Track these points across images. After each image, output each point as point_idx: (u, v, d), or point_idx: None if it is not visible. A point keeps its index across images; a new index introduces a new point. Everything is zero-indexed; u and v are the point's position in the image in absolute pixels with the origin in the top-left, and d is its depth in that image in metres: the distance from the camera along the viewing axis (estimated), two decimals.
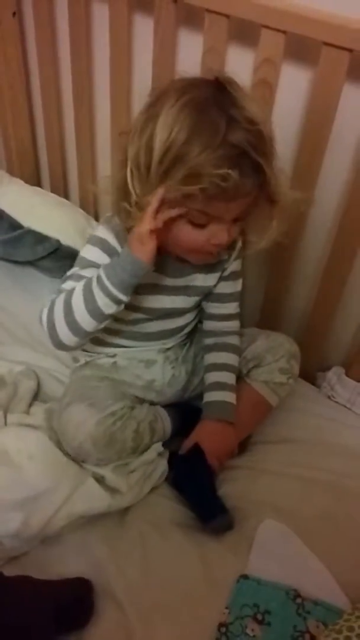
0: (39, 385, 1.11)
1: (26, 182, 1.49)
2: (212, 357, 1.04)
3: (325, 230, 1.08)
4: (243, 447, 1.06)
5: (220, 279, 1.00)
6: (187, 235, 0.82)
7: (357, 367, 1.15)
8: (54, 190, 1.54)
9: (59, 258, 1.32)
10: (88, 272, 0.88)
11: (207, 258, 0.90)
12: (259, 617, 0.82)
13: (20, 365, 1.11)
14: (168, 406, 1.06)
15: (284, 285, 1.17)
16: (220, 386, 1.02)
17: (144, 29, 1.12)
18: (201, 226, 0.80)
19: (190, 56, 1.06)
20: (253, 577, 0.86)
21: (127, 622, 0.80)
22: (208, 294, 1.02)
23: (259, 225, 0.84)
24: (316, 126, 0.95)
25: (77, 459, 0.93)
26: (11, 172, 1.54)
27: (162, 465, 0.98)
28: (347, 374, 1.17)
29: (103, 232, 0.90)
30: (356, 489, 1.00)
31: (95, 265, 0.88)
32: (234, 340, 1.05)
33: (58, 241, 1.29)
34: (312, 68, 0.94)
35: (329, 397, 1.17)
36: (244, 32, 0.98)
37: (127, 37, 1.14)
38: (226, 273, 0.99)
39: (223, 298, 1.03)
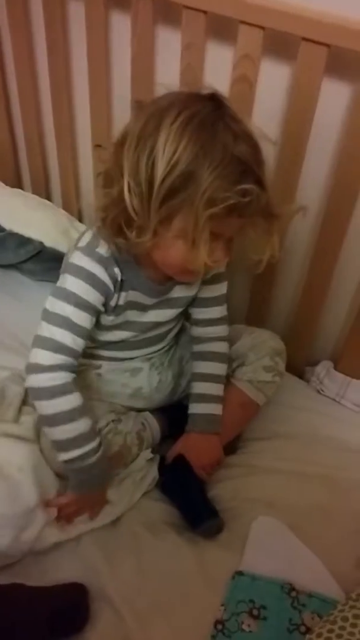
0: (26, 390, 1.10)
1: (6, 184, 1.47)
2: (198, 366, 1.02)
3: (309, 225, 1.08)
4: (233, 446, 1.06)
5: (202, 283, 0.96)
6: (184, 255, 0.77)
7: (345, 360, 1.16)
8: (35, 191, 1.52)
9: (42, 260, 1.31)
10: (80, 318, 0.84)
11: (197, 278, 0.88)
12: (255, 612, 0.83)
13: (7, 371, 1.10)
14: (157, 410, 1.06)
15: (270, 281, 1.17)
16: (204, 398, 1.00)
17: (121, 26, 1.11)
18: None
19: (169, 53, 1.06)
20: (248, 573, 0.86)
21: (124, 624, 0.80)
22: (196, 300, 0.99)
23: (259, 242, 0.80)
24: (296, 121, 0.95)
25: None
26: None
27: (152, 472, 0.97)
28: (335, 368, 1.18)
29: (89, 263, 0.83)
30: (347, 480, 1.00)
31: (85, 305, 0.84)
32: (220, 347, 1.02)
33: (41, 243, 1.28)
34: (291, 64, 0.94)
35: (318, 391, 1.18)
36: (223, 28, 0.98)
37: (104, 35, 1.13)
38: (207, 276, 0.94)
39: (206, 302, 1.00)
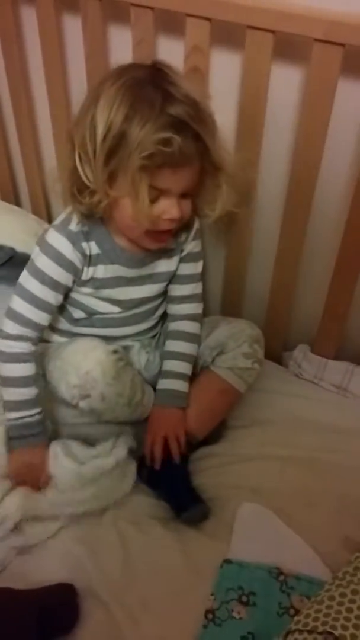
0: None
1: None
2: (169, 345, 1.05)
3: (275, 209, 1.09)
4: (217, 434, 1.07)
5: (179, 260, 1.01)
6: (132, 213, 0.82)
7: (320, 343, 1.17)
8: (3, 198, 1.52)
9: (15, 266, 1.30)
10: (46, 295, 0.92)
11: (162, 239, 0.91)
12: (244, 599, 0.83)
13: None
14: None
15: (243, 270, 1.18)
16: (170, 375, 1.03)
17: (73, 27, 1.11)
18: (152, 202, 0.82)
19: (122, 50, 1.06)
20: (235, 560, 0.87)
21: (114, 620, 0.81)
22: (172, 277, 1.03)
23: (210, 196, 0.88)
24: (250, 107, 0.96)
25: (80, 395, 0.94)
26: None
27: (131, 472, 0.97)
28: (312, 351, 1.19)
29: (58, 241, 0.90)
30: (330, 461, 1.02)
31: (52, 283, 0.92)
32: (190, 327, 1.06)
33: (12, 249, 1.28)
34: (241, 52, 0.94)
35: (296, 375, 1.19)
36: (171, 22, 0.98)
37: (57, 37, 1.13)
38: (183, 254, 1.01)
39: (181, 279, 1.04)
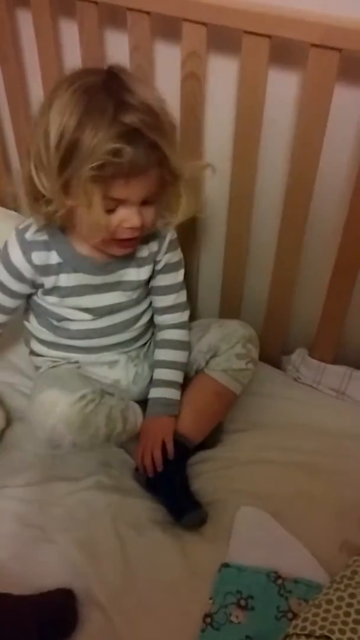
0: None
1: None
2: (158, 354, 1.05)
3: (273, 213, 1.09)
4: (215, 439, 1.07)
5: (156, 272, 1.00)
6: (88, 221, 0.82)
7: (319, 347, 1.17)
8: (2, 204, 1.52)
9: None
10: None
11: (128, 246, 0.90)
12: (243, 603, 0.83)
13: None
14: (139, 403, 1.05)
15: (241, 273, 1.18)
16: (162, 383, 1.03)
17: (70, 32, 1.11)
18: (111, 211, 0.81)
19: (119, 56, 1.06)
20: (234, 564, 0.87)
21: (113, 625, 0.81)
22: (152, 288, 1.03)
23: (171, 203, 0.88)
24: (247, 112, 0.96)
25: (51, 446, 0.93)
26: None
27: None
28: (310, 355, 1.19)
29: (12, 248, 0.91)
30: (328, 465, 1.02)
31: (5, 289, 0.95)
32: (176, 335, 1.05)
33: None
34: (237, 57, 0.94)
35: (295, 379, 1.19)
36: (167, 27, 0.98)
37: (53, 42, 1.13)
38: (159, 266, 0.99)
39: (163, 290, 1.03)
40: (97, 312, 0.98)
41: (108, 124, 0.74)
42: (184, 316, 1.06)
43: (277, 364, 1.23)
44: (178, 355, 1.04)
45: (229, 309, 1.23)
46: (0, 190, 1.53)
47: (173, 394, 1.03)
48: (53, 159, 0.77)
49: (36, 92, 1.25)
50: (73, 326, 0.99)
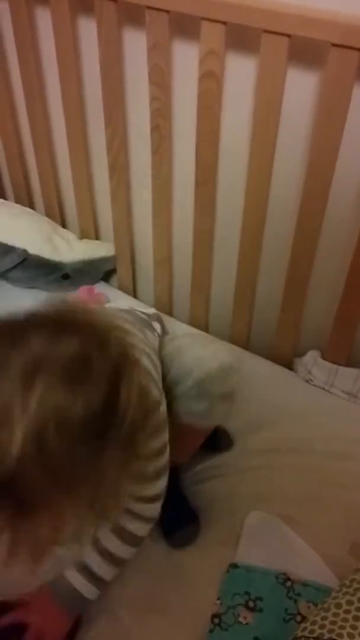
0: None
1: None
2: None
3: (287, 217, 1.09)
4: (228, 442, 1.05)
5: None
6: None
7: (332, 349, 1.16)
8: (17, 200, 1.53)
9: (28, 267, 1.31)
10: None
11: None
12: (251, 604, 0.83)
13: None
14: None
15: (253, 274, 1.18)
16: (79, 566, 0.79)
17: (88, 30, 1.12)
18: None
19: (137, 54, 1.06)
20: (242, 565, 0.87)
21: (122, 623, 0.81)
22: None
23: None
24: (265, 111, 0.95)
25: None
26: None
27: None
28: (322, 357, 1.18)
29: None
30: (338, 468, 1.01)
31: None
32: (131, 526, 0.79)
33: (25, 251, 1.29)
34: (256, 56, 0.94)
35: (307, 381, 1.18)
36: (186, 26, 0.98)
37: (71, 39, 1.13)
38: None
39: None
40: None
41: None
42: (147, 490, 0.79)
43: (289, 366, 1.22)
44: (117, 546, 0.78)
45: (242, 309, 1.23)
46: (17, 186, 1.54)
47: (87, 589, 0.77)
48: None
49: (53, 90, 1.26)
50: None
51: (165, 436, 0.76)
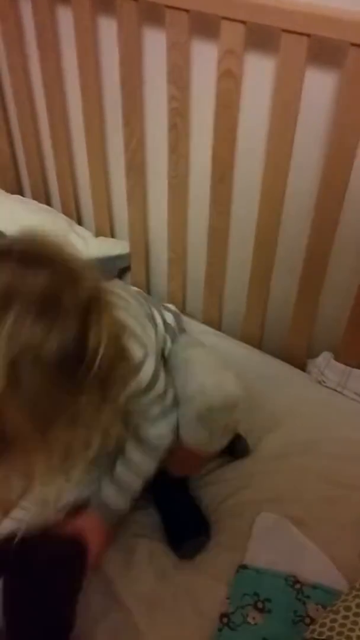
0: None
1: (7, 191, 1.50)
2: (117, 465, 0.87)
3: (302, 217, 1.08)
4: (244, 448, 1.04)
5: None
6: None
7: (345, 351, 1.16)
8: (35, 197, 1.54)
9: None
10: None
11: None
12: (260, 605, 0.83)
13: None
14: None
15: (267, 273, 1.17)
16: (113, 482, 0.86)
17: (108, 29, 1.12)
18: None
19: (156, 53, 1.07)
20: (252, 566, 0.86)
21: (131, 619, 0.81)
22: None
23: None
24: (283, 111, 0.95)
25: None
26: None
27: None
28: (335, 359, 1.17)
29: None
30: (350, 471, 1.00)
31: None
32: (139, 458, 0.85)
33: None
34: (275, 56, 0.94)
35: (319, 383, 1.18)
36: (206, 25, 0.98)
37: (92, 38, 1.14)
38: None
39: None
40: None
41: None
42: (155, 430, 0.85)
43: (302, 367, 1.22)
44: (131, 479, 0.86)
45: (255, 309, 1.23)
46: (34, 183, 1.55)
47: (122, 503, 0.86)
48: None
49: (73, 89, 1.26)
50: None
51: (162, 383, 0.79)
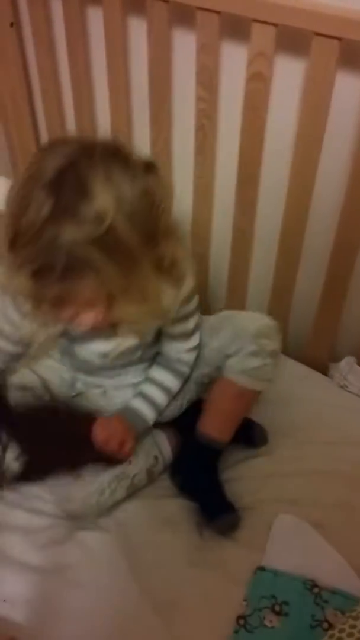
0: None
1: None
2: (154, 370, 1.01)
3: (328, 219, 1.08)
4: (263, 436, 1.07)
5: (172, 320, 0.94)
6: (53, 315, 0.79)
7: None
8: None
9: None
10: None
11: (80, 326, 0.83)
12: (277, 608, 0.83)
13: None
14: (168, 426, 1.05)
15: (292, 276, 1.17)
16: (142, 396, 1.00)
17: (138, 30, 1.13)
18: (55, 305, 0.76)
19: (185, 54, 1.07)
20: (270, 568, 0.87)
21: (148, 618, 0.82)
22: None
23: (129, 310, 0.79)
24: (312, 115, 0.95)
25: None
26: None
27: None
28: (359, 364, 1.17)
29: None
30: None
31: None
32: (182, 367, 1.01)
33: None
34: (305, 59, 0.94)
35: (341, 387, 1.17)
36: (236, 27, 0.98)
37: (121, 39, 1.14)
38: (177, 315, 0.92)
39: (174, 338, 0.98)
40: (110, 355, 0.95)
41: (35, 235, 0.67)
42: (193, 357, 1.01)
43: (324, 371, 1.21)
44: (177, 385, 1.01)
45: (278, 310, 1.22)
46: None
47: (149, 413, 0.99)
48: (5, 240, 0.73)
49: (101, 88, 1.27)
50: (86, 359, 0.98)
51: (194, 303, 0.95)
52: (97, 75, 1.28)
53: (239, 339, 0.96)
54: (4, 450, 0.92)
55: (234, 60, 1.02)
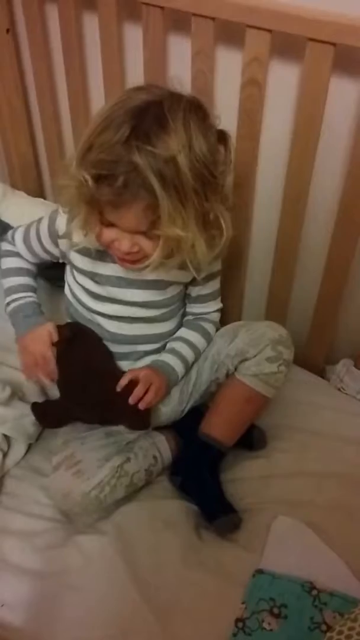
0: None
1: (29, 194, 1.51)
2: (182, 331, 1.06)
3: (325, 222, 1.09)
4: (262, 440, 1.07)
5: (196, 283, 1.01)
6: (98, 230, 0.86)
7: None
8: (57, 201, 1.56)
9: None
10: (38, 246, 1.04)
11: (127, 264, 0.90)
12: (276, 610, 0.83)
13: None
14: (168, 429, 1.06)
15: (288, 280, 1.18)
16: (176, 354, 1.03)
17: (134, 36, 1.14)
18: (107, 225, 0.84)
19: (180, 60, 1.08)
20: (268, 571, 0.87)
21: (147, 621, 0.82)
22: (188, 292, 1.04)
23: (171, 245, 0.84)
24: (306, 121, 0.96)
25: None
26: (15, 186, 1.56)
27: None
28: (356, 366, 1.17)
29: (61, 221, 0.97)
30: None
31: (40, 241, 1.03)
32: (208, 326, 1.06)
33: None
34: (299, 65, 0.95)
35: (338, 389, 1.18)
36: (231, 33, 0.99)
37: (117, 45, 1.15)
38: (202, 275, 0.96)
39: (200, 299, 1.05)
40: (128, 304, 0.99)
41: (106, 151, 0.76)
42: (218, 316, 1.08)
43: (321, 373, 1.22)
44: (203, 344, 1.05)
45: (276, 315, 1.23)
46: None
47: (177, 365, 1.02)
48: (78, 151, 0.81)
49: (97, 93, 1.28)
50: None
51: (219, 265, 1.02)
52: (93, 82, 1.28)
53: (257, 343, 0.99)
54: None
55: (229, 65, 1.02)
